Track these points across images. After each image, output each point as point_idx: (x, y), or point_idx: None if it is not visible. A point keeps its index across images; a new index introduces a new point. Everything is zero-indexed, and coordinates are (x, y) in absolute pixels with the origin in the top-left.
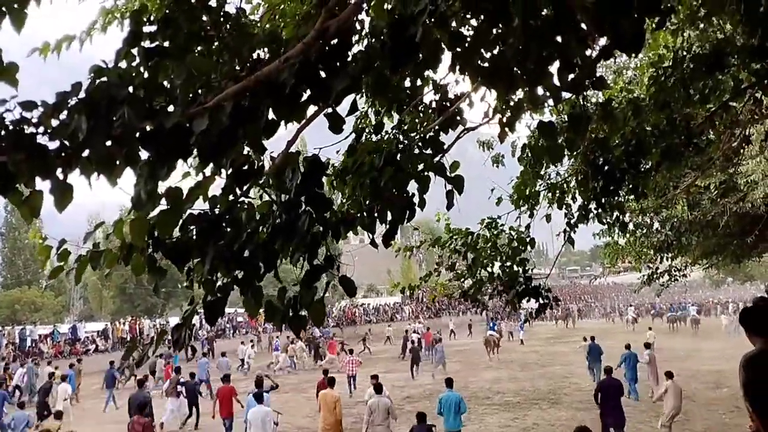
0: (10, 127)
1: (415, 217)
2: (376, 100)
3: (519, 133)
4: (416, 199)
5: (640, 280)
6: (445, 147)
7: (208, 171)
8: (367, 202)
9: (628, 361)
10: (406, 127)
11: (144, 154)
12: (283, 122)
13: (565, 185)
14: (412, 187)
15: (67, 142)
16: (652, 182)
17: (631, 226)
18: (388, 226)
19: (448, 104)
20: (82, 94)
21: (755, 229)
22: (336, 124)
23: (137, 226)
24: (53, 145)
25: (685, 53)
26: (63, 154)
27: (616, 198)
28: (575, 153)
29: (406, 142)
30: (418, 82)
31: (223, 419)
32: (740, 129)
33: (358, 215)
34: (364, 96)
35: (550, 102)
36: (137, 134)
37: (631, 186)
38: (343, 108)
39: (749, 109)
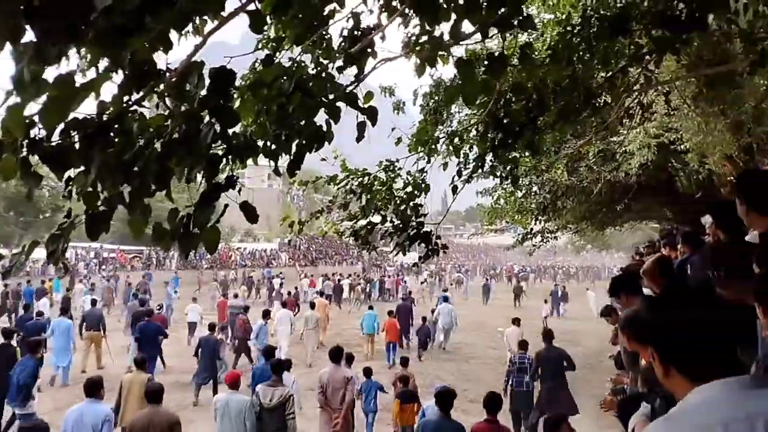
0: None
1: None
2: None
3: (421, 81)
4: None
5: (515, 239)
6: (360, 77)
7: (101, 67)
8: (273, 129)
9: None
10: (320, 53)
11: (30, 35)
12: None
13: (464, 134)
14: (320, 118)
15: None
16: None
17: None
18: (293, 157)
19: (359, 34)
20: None
21: (624, 198)
22: (258, 23)
23: (14, 113)
24: None
25: (592, 13)
26: None
27: (511, 153)
28: (483, 100)
29: (318, 68)
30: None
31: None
32: (633, 96)
33: (261, 142)
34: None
35: (475, 38)
36: (21, 4)
37: (527, 142)
38: None
39: (643, 77)
